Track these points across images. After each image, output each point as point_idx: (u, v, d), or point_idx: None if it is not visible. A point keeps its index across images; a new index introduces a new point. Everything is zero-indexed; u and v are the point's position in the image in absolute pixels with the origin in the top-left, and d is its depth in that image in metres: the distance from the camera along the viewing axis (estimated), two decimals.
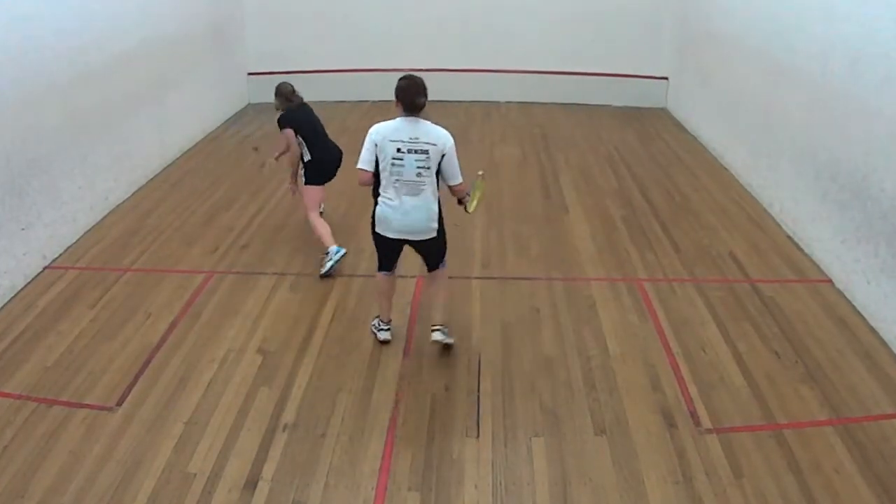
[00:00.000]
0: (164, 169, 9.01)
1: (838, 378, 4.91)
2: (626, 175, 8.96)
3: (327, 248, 6.28)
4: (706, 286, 6.14)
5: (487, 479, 4.03)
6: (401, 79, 4.66)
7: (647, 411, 4.58)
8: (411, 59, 12.00)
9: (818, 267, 6.44)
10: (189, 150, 9.78)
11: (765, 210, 7.71)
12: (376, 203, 4.78)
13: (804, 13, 7.01)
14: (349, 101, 12.04)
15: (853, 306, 5.80)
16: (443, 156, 4.63)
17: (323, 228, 6.44)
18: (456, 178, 4.76)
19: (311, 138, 6.52)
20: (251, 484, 3.98)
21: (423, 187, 4.64)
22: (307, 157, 6.52)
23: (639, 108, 12.21)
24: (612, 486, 3.98)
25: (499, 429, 4.42)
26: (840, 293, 6.01)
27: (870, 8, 5.80)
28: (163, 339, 5.35)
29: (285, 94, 6.58)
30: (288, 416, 4.53)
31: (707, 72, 10.24)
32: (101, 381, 4.85)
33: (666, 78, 12.19)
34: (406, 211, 4.67)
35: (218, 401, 4.66)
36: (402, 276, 6.13)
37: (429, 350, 5.20)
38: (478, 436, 4.34)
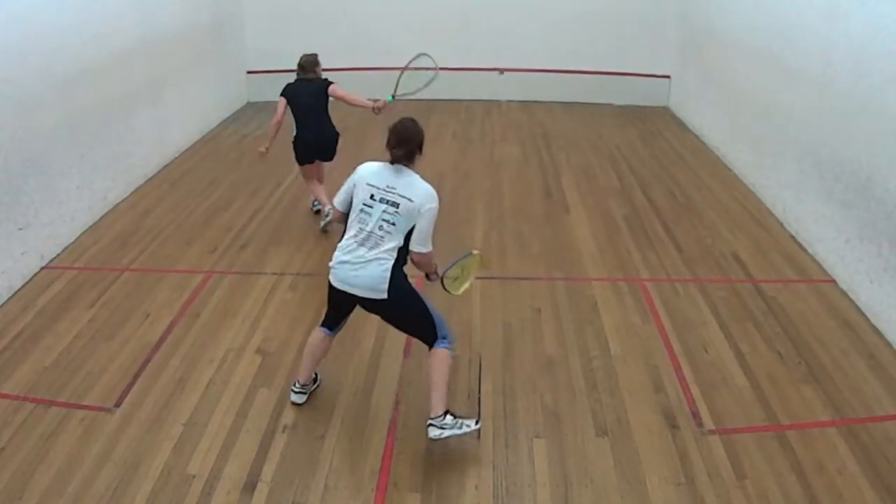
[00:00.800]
0: (163, 168, 9.01)
1: (841, 379, 4.91)
2: (627, 174, 8.96)
3: (325, 205, 6.91)
4: (709, 286, 6.14)
5: (488, 480, 4.03)
6: (400, 124, 4.21)
7: (649, 412, 4.58)
8: (411, 57, 12.02)
9: (821, 267, 6.44)
10: (188, 149, 9.78)
11: (768, 210, 7.71)
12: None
13: (807, 11, 7.01)
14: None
15: (856, 306, 5.80)
16: (417, 214, 4.04)
17: (317, 189, 7.14)
18: (421, 245, 4.11)
19: (296, 113, 6.93)
20: (250, 485, 3.98)
21: (381, 243, 4.07)
22: (293, 133, 6.97)
23: (641, 107, 12.21)
24: (613, 487, 3.98)
25: (500, 430, 4.42)
26: (843, 293, 6.01)
27: (874, 5, 5.80)
28: (161, 340, 5.35)
29: (299, 63, 7.08)
30: (287, 417, 4.53)
31: (710, 70, 10.24)
32: (100, 382, 4.85)
33: (668, 76, 12.19)
34: (355, 264, 4.10)
35: (217, 401, 4.66)
36: None
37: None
38: (479, 437, 4.33)
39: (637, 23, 11.94)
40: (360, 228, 4.10)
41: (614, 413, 4.57)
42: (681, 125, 11.26)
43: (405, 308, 4.24)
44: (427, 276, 4.40)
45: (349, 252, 4.11)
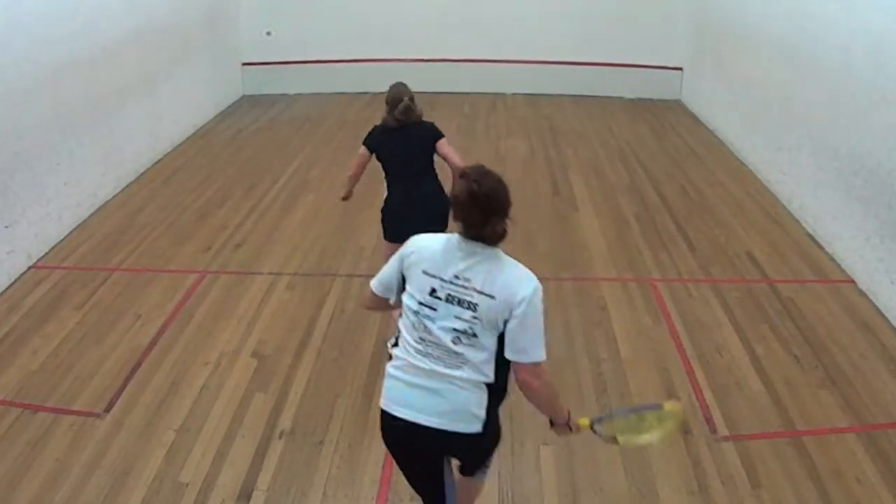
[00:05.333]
0: (155, 164, 9.02)
1: (860, 383, 4.90)
2: (638, 170, 8.96)
3: None
4: (722, 287, 6.14)
5: (494, 489, 4.03)
6: (464, 175, 2.87)
7: None
8: (413, 49, 12.04)
9: (840, 266, 6.44)
10: (180, 144, 9.80)
11: (784, 207, 7.70)
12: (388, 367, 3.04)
13: (826, 1, 7.00)
14: (348, 93, 12.05)
15: (876, 308, 5.79)
16: (508, 316, 2.78)
17: None
18: (529, 355, 2.82)
19: (391, 167, 5.11)
20: (245, 494, 3.99)
21: (461, 363, 2.85)
22: (386, 192, 5.20)
23: (652, 100, 12.20)
24: (624, 496, 3.98)
25: (505, 436, 4.37)
26: (863, 294, 6.01)
27: None
28: (153, 342, 5.36)
29: (393, 103, 5.02)
30: (284, 422, 4.54)
31: (724, 62, 10.23)
32: (89, 386, 4.86)
33: (680, 68, 12.18)
34: (420, 384, 2.90)
35: (211, 407, 4.67)
36: None
37: None
38: None
39: (648, 12, 11.92)
40: (422, 338, 2.88)
41: None
42: (693, 119, 11.24)
43: (487, 441, 3.13)
44: (551, 422, 3.15)
45: (410, 370, 2.92)
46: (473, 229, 2.81)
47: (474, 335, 2.81)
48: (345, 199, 5.44)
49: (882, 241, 5.81)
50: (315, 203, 7.79)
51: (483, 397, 2.90)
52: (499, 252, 2.87)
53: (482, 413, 2.91)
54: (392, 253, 3.16)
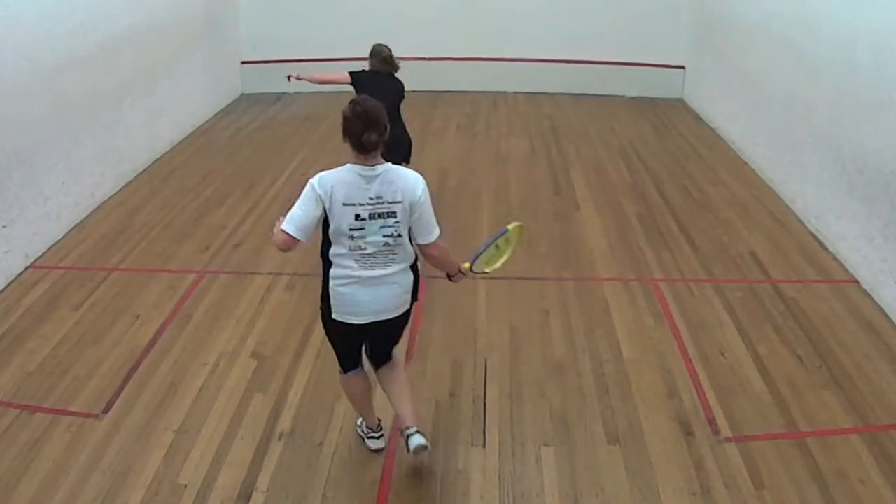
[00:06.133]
0: (153, 163, 9.02)
1: (865, 384, 4.90)
2: (640, 169, 8.96)
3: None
4: (725, 287, 6.14)
5: (494, 490, 4.03)
6: (351, 101, 3.60)
7: (663, 419, 4.58)
8: (413, 47, 11.95)
9: (843, 266, 6.43)
10: (179, 142, 9.80)
11: (787, 206, 7.70)
12: (327, 284, 3.75)
13: None
14: (348, 92, 11.98)
15: (880, 308, 5.78)
16: (412, 208, 3.61)
17: None
18: (430, 234, 3.71)
19: None
20: (245, 496, 3.98)
21: (393, 257, 3.68)
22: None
23: (654, 99, 12.20)
24: (625, 497, 3.98)
25: (506, 437, 4.42)
26: (867, 294, 6.00)
27: None
28: (152, 343, 5.35)
29: (378, 55, 6.39)
30: (284, 423, 4.54)
31: (727, 60, 10.22)
32: (87, 387, 4.85)
33: (683, 67, 12.18)
34: (375, 286, 3.70)
35: (210, 408, 4.66)
36: None
37: (432, 354, 5.20)
38: (484, 445, 4.34)
39: (650, 10, 11.93)
40: (361, 254, 3.63)
41: (626, 420, 4.56)
42: (696, 118, 11.24)
43: (410, 310, 3.97)
44: (449, 276, 3.98)
45: (358, 277, 3.67)
46: (354, 138, 3.50)
47: (399, 235, 3.63)
48: (293, 77, 6.82)
49: (886, 240, 5.81)
50: None
51: (410, 279, 3.80)
52: (387, 166, 3.60)
53: (410, 292, 3.84)
54: None
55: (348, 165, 3.57)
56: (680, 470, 4.16)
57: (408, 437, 3.91)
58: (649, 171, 8.87)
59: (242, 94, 12.29)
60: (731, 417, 4.58)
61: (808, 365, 5.11)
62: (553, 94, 12.35)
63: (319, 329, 5.46)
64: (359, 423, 4.38)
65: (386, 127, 3.55)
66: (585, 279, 6.29)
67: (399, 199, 3.56)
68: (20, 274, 6.30)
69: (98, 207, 7.66)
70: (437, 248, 3.75)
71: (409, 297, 3.84)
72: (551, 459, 4.25)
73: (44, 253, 6.67)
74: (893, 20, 5.82)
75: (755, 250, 6.78)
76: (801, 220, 7.36)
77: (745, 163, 9.06)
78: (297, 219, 3.54)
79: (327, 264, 3.70)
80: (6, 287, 6.09)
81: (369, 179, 3.54)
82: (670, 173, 8.82)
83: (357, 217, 3.53)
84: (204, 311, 5.79)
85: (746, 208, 7.74)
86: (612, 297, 6.00)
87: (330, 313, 3.79)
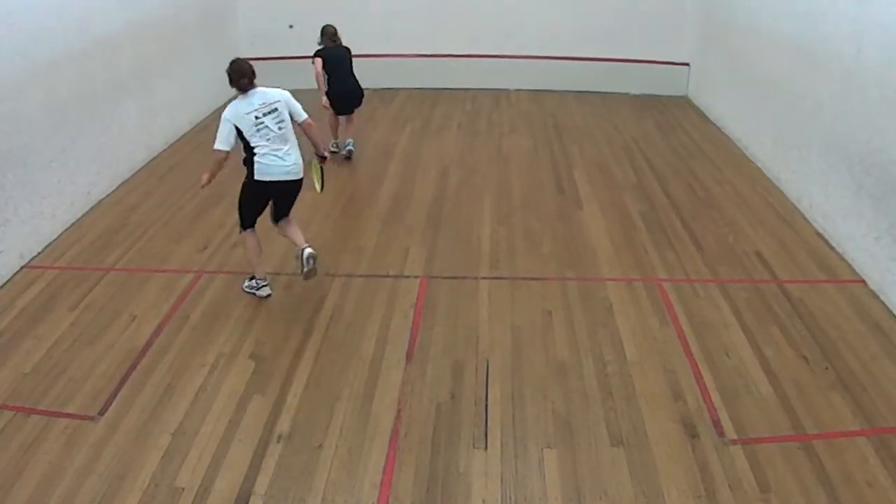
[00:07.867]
0: (150, 161, 9.03)
1: (872, 385, 4.90)
2: (644, 168, 8.96)
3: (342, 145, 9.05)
4: (730, 287, 6.14)
5: (496, 494, 4.03)
6: (231, 62, 5.62)
7: (667, 421, 4.58)
8: (414, 45, 12.05)
9: (850, 266, 6.43)
10: (176, 140, 9.82)
11: (793, 205, 7.70)
12: (252, 164, 5.59)
13: None
14: None
15: (888, 308, 5.78)
16: (286, 107, 5.68)
17: (344, 136, 9.15)
18: (303, 114, 5.83)
19: (335, 72, 8.69)
20: (243, 499, 3.98)
21: (287, 135, 5.66)
22: (326, 87, 8.69)
23: (658, 97, 12.21)
24: (629, 500, 3.98)
25: (508, 440, 4.42)
26: (874, 294, 6.00)
27: None
28: (148, 344, 5.36)
29: (328, 34, 8.80)
30: (283, 425, 4.54)
31: (732, 57, 10.22)
32: (83, 389, 4.86)
33: (687, 64, 12.18)
34: (282, 156, 5.62)
35: (208, 409, 4.67)
36: (405, 277, 6.15)
37: (433, 355, 5.20)
38: (486, 447, 4.34)
39: (654, 6, 11.93)
40: (268, 137, 5.55)
41: (630, 422, 4.56)
42: (701, 116, 11.24)
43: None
44: (322, 155, 6.10)
45: (275, 152, 5.57)
46: (237, 84, 5.57)
47: (284, 120, 5.63)
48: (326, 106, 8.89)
49: (893, 240, 5.81)
50: (313, 202, 7.77)
51: (299, 153, 5.77)
52: (255, 87, 5.60)
53: (301, 164, 5.76)
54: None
55: (238, 98, 5.60)
56: (684, 473, 4.16)
57: (302, 250, 5.69)
58: (653, 170, 8.87)
59: None
60: (737, 419, 4.57)
61: (815, 366, 5.10)
62: (556, 91, 12.35)
63: (319, 330, 5.52)
64: (245, 285, 6.03)
65: (253, 73, 5.58)
66: (588, 279, 6.29)
67: (277, 99, 5.62)
68: (15, 274, 6.30)
69: (94, 206, 7.66)
70: (309, 125, 5.85)
71: (301, 167, 5.74)
72: (554, 462, 4.25)
73: (39, 253, 6.67)
74: None
75: (761, 250, 6.78)
76: (807, 220, 7.36)
77: (751, 161, 9.06)
78: (224, 137, 5.52)
79: (251, 154, 5.58)
80: (1, 287, 6.10)
81: (250, 97, 5.56)
82: (675, 172, 8.82)
83: (256, 118, 5.52)
84: (202, 311, 5.79)
85: (752, 207, 7.74)
86: (616, 297, 6.00)
87: (252, 177, 5.63)
